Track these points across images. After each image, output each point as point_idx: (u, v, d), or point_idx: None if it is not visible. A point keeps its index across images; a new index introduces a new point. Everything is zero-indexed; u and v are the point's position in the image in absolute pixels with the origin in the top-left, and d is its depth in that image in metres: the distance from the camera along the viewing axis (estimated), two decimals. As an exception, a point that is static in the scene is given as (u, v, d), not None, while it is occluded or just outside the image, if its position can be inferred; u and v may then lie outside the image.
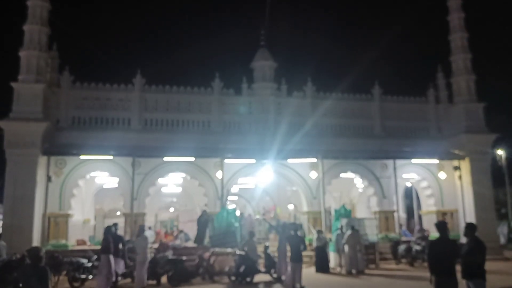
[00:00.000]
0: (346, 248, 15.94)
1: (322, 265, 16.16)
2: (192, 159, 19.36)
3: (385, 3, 54.93)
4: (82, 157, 18.41)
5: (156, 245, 16.97)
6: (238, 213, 18.92)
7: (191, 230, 20.65)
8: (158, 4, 57.14)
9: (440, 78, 23.42)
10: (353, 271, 15.68)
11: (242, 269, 13.90)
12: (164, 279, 14.07)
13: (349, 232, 16.27)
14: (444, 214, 21.36)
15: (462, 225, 19.31)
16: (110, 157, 18.67)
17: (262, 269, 14.72)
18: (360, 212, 24.63)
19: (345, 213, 18.75)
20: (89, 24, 53.99)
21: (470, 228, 7.49)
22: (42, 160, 18.01)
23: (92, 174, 19.46)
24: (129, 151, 18.62)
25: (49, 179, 18.01)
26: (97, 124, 19.50)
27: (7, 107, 18.11)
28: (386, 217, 20.68)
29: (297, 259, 12.44)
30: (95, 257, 14.26)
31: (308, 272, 14.71)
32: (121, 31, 58.05)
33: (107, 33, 55.84)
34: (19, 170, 17.33)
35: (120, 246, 13.27)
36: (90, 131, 19.17)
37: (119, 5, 57.64)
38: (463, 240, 7.85)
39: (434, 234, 18.65)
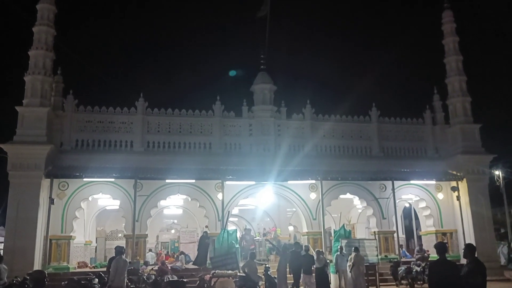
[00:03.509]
0: (351, 269, 15.96)
1: (322, 287, 16.17)
2: (193, 180, 19.55)
3: (382, 28, 55.98)
4: (85, 179, 18.57)
5: (156, 267, 17.07)
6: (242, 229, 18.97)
7: (192, 251, 20.70)
8: (160, 30, 58.12)
9: (436, 99, 23.82)
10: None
11: (243, 290, 13.96)
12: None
13: (353, 254, 16.31)
14: (443, 234, 21.46)
15: (462, 246, 19.42)
16: (112, 179, 18.85)
17: (263, 290, 14.79)
18: (360, 233, 24.71)
19: (345, 234, 18.87)
20: (93, 48, 54.77)
21: (469, 249, 7.46)
22: (45, 183, 18.14)
23: (95, 196, 19.59)
24: (131, 173, 18.78)
25: (51, 201, 18.04)
26: (100, 147, 19.74)
27: (11, 130, 18.42)
28: (385, 237, 20.76)
29: (308, 272, 14.73)
30: (96, 280, 14.33)
31: (309, 293, 14.77)
32: (124, 55, 58.87)
33: (110, 58, 56.74)
34: (22, 193, 17.43)
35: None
36: (93, 154, 19.39)
37: (122, 30, 58.62)
38: (463, 261, 7.96)
39: (434, 255, 18.74)
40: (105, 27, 57.95)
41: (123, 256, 11.85)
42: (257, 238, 22.50)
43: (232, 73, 21.65)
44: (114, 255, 12.75)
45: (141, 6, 59.57)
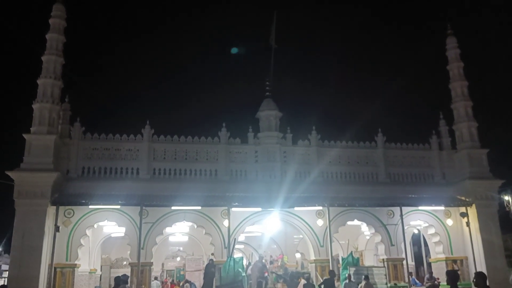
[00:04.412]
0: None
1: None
2: (199, 207, 19.44)
3: (387, 54, 56.49)
4: (90, 206, 18.52)
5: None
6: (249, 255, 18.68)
7: (198, 279, 20.40)
8: (167, 58, 59.13)
9: (442, 125, 23.80)
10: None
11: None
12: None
13: (363, 282, 16.04)
14: (453, 261, 21.03)
15: (472, 273, 19.00)
16: (118, 206, 18.79)
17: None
18: (368, 260, 24.30)
19: (353, 261, 18.57)
20: (100, 76, 55.77)
21: (480, 277, 7.36)
22: (51, 210, 18.11)
23: (100, 223, 19.49)
24: (137, 200, 18.73)
25: (57, 229, 17.94)
26: (106, 174, 19.80)
27: (18, 158, 18.52)
28: (394, 265, 20.36)
29: None
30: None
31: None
32: (131, 83, 59.74)
33: (117, 85, 57.64)
34: (28, 221, 17.42)
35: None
36: (99, 181, 19.43)
37: (129, 58, 59.68)
38: (474, 289, 7.79)
39: (444, 283, 18.34)
40: (112, 56, 59.04)
41: (127, 286, 11.69)
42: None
43: (234, 50, 22.25)
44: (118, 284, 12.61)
45: (148, 33, 60.80)
